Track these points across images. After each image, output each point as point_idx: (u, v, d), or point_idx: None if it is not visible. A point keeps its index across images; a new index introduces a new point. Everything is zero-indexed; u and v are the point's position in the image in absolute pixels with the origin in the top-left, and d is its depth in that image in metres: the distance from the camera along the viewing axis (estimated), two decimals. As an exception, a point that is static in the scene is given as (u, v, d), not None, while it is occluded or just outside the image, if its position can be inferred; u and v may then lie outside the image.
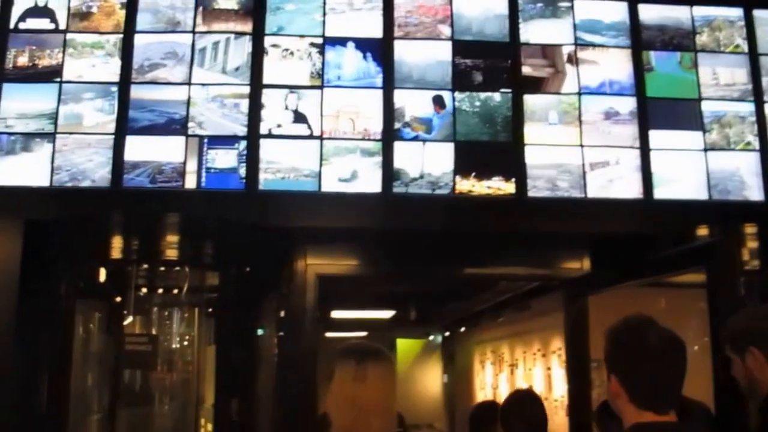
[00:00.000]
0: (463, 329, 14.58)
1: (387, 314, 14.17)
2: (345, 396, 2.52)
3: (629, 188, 7.17)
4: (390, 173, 6.83)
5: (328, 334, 14.70)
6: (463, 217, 6.90)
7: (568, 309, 7.24)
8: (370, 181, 6.85)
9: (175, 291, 6.85)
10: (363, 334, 15.13)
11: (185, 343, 7.12)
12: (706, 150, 7.36)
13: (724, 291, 5.69)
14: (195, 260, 6.56)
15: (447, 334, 16.09)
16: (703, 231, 6.70)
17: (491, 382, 13.29)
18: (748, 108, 7.47)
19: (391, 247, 6.93)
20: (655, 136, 7.29)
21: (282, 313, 6.93)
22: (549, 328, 9.89)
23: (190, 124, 6.82)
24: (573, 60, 7.30)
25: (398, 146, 6.93)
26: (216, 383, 6.15)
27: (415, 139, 6.98)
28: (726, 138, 7.43)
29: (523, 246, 7.06)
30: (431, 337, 16.50)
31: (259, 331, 6.97)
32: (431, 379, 15.84)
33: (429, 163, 6.94)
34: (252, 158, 6.77)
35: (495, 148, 7.08)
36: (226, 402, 6.00)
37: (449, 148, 6.99)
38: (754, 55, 7.50)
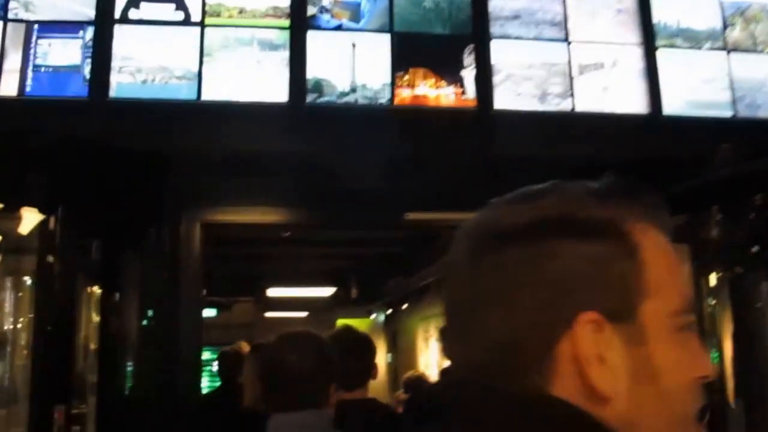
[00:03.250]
0: (405, 306, 13.04)
1: (326, 292, 12.65)
2: None
3: (631, 100, 5.26)
4: (301, 74, 4.81)
5: (268, 314, 13.50)
6: (404, 137, 4.91)
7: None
8: (274, 87, 4.81)
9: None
10: (303, 314, 13.62)
11: (19, 325, 5.02)
12: (727, 50, 5.49)
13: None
14: (18, 197, 4.46)
15: (390, 312, 14.52)
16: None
17: (436, 360, 11.80)
18: (780, -2, 5.63)
19: (304, 182, 4.91)
20: (663, 33, 5.40)
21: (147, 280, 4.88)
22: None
23: (12, 5, 4.71)
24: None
25: (314, 38, 4.90)
26: (32, 380, 4.08)
27: (338, 28, 4.96)
28: (752, 37, 5.59)
29: (488, 178, 5.08)
30: (373, 316, 14.89)
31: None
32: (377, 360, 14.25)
33: (362, 68, 4.94)
34: (101, 53, 4.68)
35: (449, 44, 5.10)
36: (46, 406, 3.95)
37: (384, 42, 4.98)
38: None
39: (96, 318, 4.96)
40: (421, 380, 6.99)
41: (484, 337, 0.77)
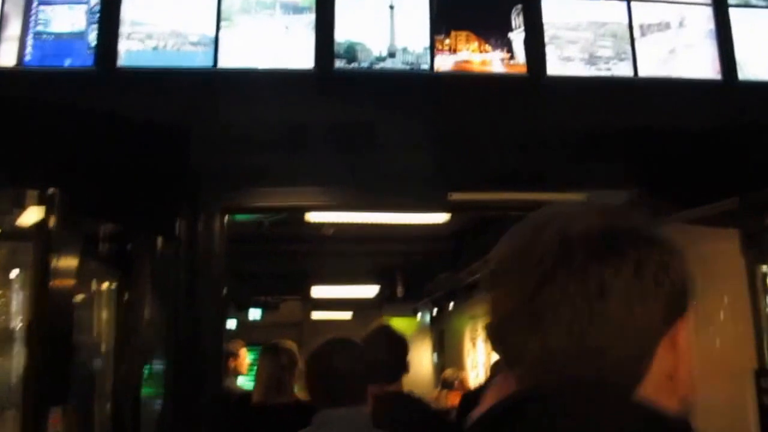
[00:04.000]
0: (452, 304, 12.64)
1: (372, 291, 12.50)
2: None
3: (700, 64, 4.67)
4: (328, 38, 4.31)
5: (314, 314, 13.54)
6: (445, 107, 4.38)
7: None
8: (299, 53, 4.32)
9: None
10: (349, 313, 13.73)
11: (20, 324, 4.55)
12: (810, 9, 4.88)
13: None
14: (17, 177, 4.00)
15: (436, 310, 14.12)
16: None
17: (483, 361, 11.38)
18: None
19: (334, 159, 4.38)
20: (736, -11, 4.82)
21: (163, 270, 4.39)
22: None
23: (11, -31, 4.28)
24: None
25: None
26: (25, 381, 3.58)
27: (370, -12, 4.46)
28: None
29: (541, 152, 4.52)
30: (419, 315, 14.46)
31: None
32: (421, 360, 13.81)
33: (401, 31, 4.43)
34: (108, 18, 4.24)
35: (494, 3, 4.57)
36: (40, 408, 3.45)
37: (423, 2, 4.47)
38: None
39: (107, 314, 4.50)
40: (454, 377, 6.91)
41: (606, 328, 0.84)
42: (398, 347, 3.41)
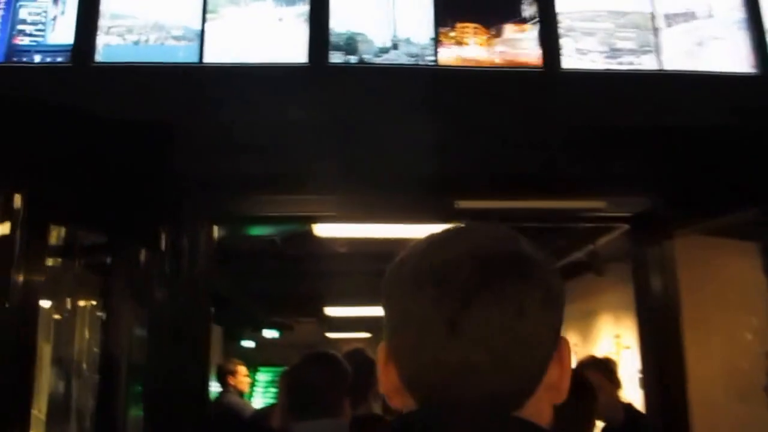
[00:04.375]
0: None
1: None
2: None
3: (731, 56, 4.29)
4: (323, 29, 3.97)
5: (330, 335, 13.44)
6: (451, 106, 4.02)
7: (639, 260, 4.35)
8: (292, 48, 3.98)
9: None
10: (365, 334, 13.09)
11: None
12: None
13: None
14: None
15: None
16: None
17: None
18: None
19: (330, 161, 4.01)
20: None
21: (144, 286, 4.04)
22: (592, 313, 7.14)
23: (-18, -39, 3.98)
24: None
25: (339, -13, 4.07)
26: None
27: (370, -25, 4.12)
28: None
29: (558, 155, 4.14)
30: None
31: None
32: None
33: (405, 22, 4.09)
34: (85, 11, 3.93)
35: (504, -10, 4.21)
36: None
37: (426, -10, 4.13)
38: None
39: (86, 331, 4.17)
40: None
41: (522, 345, 0.91)
42: (361, 369, 3.35)
